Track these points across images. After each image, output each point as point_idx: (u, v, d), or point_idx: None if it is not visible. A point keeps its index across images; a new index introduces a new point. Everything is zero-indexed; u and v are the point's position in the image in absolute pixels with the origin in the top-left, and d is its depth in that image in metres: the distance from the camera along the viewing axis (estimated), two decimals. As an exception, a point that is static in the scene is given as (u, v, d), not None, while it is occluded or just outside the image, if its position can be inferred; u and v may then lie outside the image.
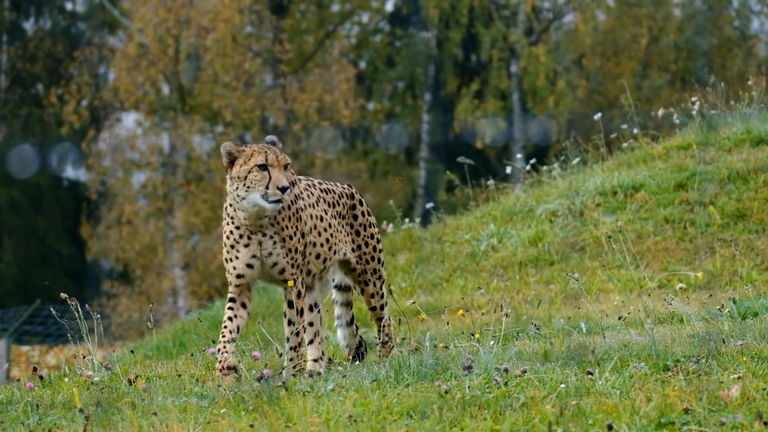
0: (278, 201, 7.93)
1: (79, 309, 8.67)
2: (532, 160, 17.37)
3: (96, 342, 8.86)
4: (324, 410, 6.91)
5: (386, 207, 19.27)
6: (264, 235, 8.08)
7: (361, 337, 9.09)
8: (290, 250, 8.12)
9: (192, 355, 9.82)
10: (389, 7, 41.57)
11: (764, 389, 6.98)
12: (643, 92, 37.23)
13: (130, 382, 8.00)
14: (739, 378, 7.20)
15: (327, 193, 8.61)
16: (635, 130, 17.19)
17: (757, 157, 15.56)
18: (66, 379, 8.77)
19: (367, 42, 41.22)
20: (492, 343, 8.58)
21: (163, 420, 6.94)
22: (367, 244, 8.82)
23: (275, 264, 8.10)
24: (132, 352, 11.92)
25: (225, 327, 8.13)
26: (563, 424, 6.46)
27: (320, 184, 8.63)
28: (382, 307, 8.93)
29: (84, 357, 8.84)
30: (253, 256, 8.09)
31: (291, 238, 8.12)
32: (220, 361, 8.04)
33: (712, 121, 16.62)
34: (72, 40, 39.74)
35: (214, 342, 8.33)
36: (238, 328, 8.13)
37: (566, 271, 13.85)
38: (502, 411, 6.78)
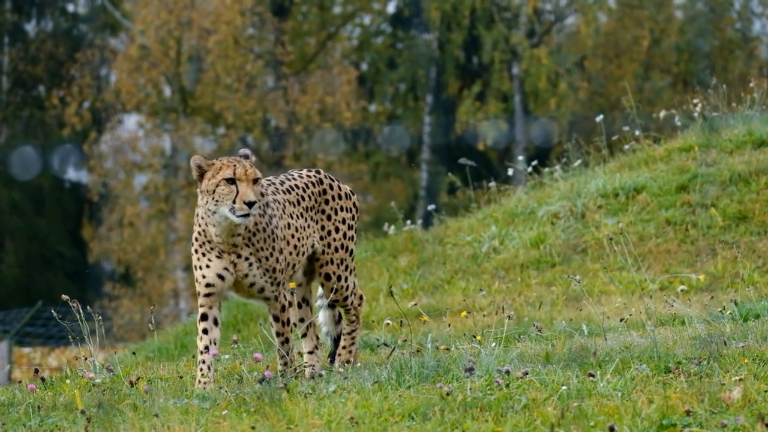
0: (246, 215, 7.69)
1: (81, 311, 8.66)
2: (534, 162, 17.36)
3: (97, 344, 8.85)
4: (325, 412, 6.91)
5: (388, 209, 19.25)
6: (239, 256, 7.87)
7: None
8: (267, 270, 7.93)
9: (193, 356, 9.82)
10: (391, 9, 41.57)
11: (766, 391, 6.98)
12: (645, 94, 37.21)
13: (131, 383, 8.00)
14: (740, 380, 7.20)
15: (290, 193, 8.26)
16: (637, 132, 17.19)
17: (758, 159, 15.55)
18: (67, 381, 8.77)
19: (368, 44, 41.21)
20: (493, 344, 8.58)
21: (164, 422, 6.94)
22: (337, 230, 8.44)
23: (253, 284, 7.92)
24: (133, 353, 11.90)
25: (203, 361, 7.87)
26: (565, 426, 6.46)
27: (282, 184, 8.28)
28: (345, 299, 8.54)
29: (85, 359, 8.83)
30: (225, 269, 7.87)
31: (267, 258, 7.91)
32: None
33: (714, 123, 16.61)
34: (73, 42, 39.74)
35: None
36: (214, 356, 7.96)
37: (568, 273, 13.84)
38: (503, 413, 6.78)
